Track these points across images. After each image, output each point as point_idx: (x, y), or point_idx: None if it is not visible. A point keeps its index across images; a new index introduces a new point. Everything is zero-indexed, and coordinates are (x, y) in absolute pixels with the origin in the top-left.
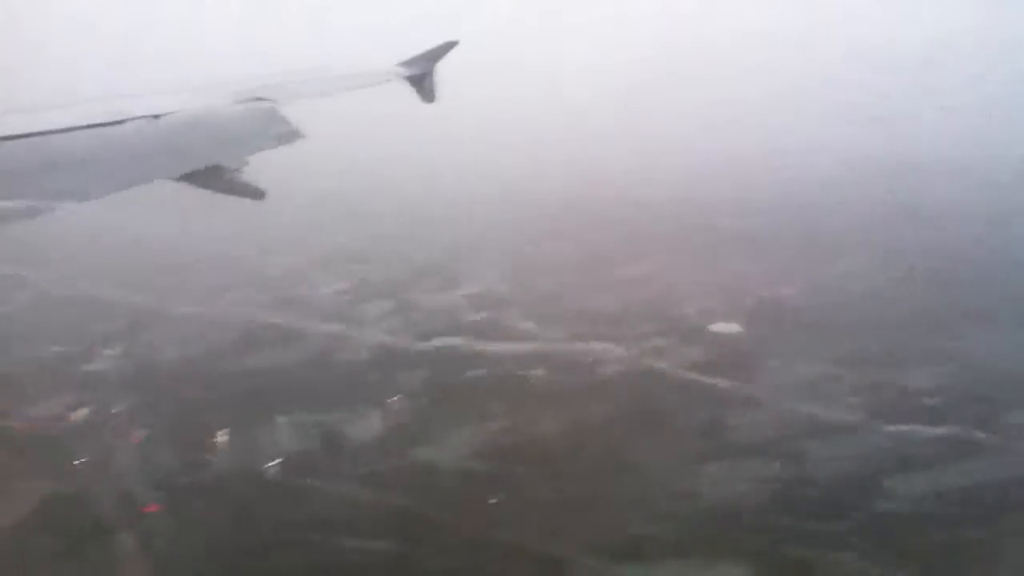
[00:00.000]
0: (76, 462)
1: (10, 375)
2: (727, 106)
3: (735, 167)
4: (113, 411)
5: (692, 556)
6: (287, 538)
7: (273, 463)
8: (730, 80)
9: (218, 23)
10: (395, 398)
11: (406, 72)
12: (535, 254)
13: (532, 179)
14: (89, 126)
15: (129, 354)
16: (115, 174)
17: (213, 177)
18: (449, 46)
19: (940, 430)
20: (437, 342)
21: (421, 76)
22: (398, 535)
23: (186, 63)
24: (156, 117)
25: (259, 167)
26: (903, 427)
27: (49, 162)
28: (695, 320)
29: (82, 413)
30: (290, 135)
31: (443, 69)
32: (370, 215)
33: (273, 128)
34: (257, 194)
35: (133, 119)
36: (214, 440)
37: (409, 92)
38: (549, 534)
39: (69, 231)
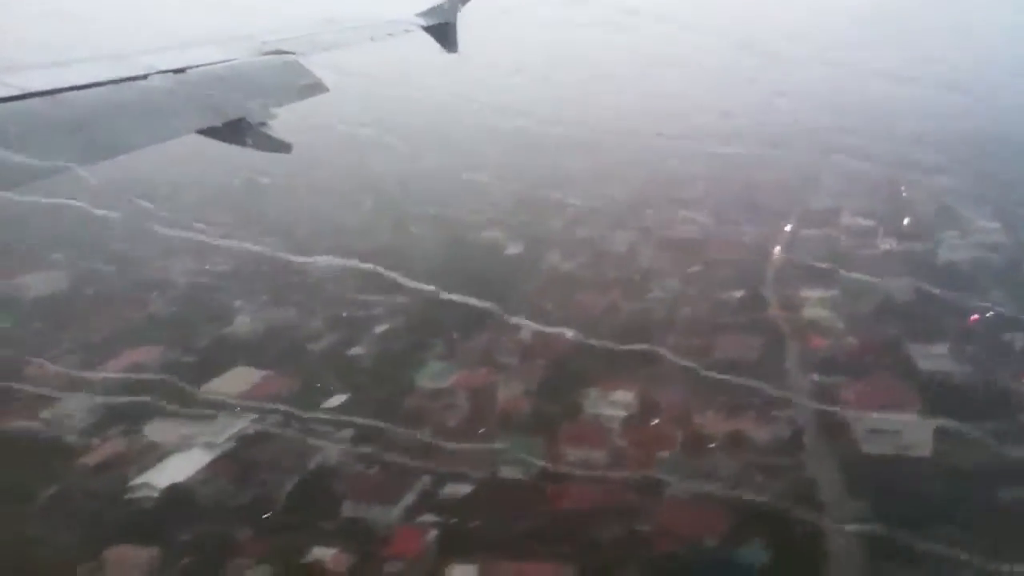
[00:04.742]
0: None
1: None
2: None
3: None
4: None
5: None
6: None
7: None
8: None
9: None
10: None
11: (426, 22)
12: None
13: None
14: (112, 81)
15: None
16: (140, 130)
17: (239, 131)
18: None
19: None
20: None
21: (443, 26)
22: None
23: (206, 17)
24: (180, 71)
25: None
26: None
27: (73, 119)
28: None
29: None
30: (314, 88)
31: None
32: None
33: (297, 81)
34: (284, 148)
35: (156, 73)
36: None
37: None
38: None
39: None
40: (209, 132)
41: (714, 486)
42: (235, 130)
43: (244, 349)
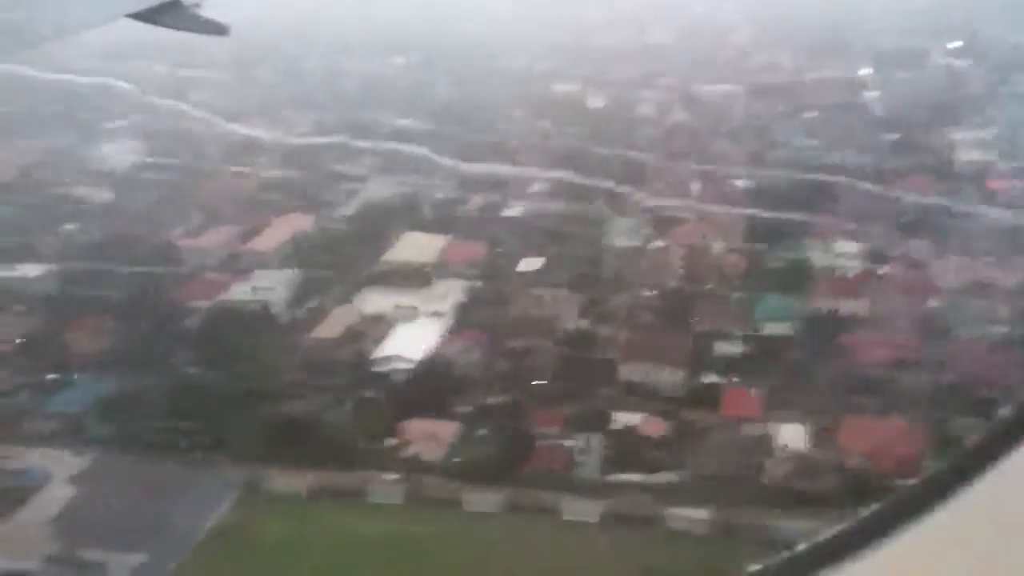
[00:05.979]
0: None
1: None
2: None
3: None
4: None
5: None
6: None
7: None
8: None
9: None
10: None
11: None
12: None
13: None
14: None
15: None
16: (62, 15)
17: (173, 13)
18: None
19: None
20: None
21: None
22: None
23: None
24: None
25: None
26: None
27: None
28: None
29: None
30: None
31: None
32: None
33: None
34: (220, 29)
35: None
36: None
37: None
38: None
39: None
40: (142, 16)
41: (997, 331)
42: (169, 12)
43: (397, 214)
